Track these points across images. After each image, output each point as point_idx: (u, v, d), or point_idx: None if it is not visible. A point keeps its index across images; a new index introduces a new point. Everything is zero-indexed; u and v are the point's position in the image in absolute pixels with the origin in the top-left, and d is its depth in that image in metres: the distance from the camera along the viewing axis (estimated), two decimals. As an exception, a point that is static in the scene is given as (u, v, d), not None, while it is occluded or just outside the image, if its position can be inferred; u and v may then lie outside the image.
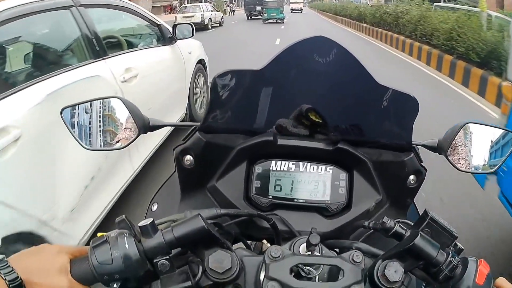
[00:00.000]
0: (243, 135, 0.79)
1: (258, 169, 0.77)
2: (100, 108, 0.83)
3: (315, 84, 0.78)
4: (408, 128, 0.77)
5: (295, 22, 28.58)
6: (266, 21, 27.55)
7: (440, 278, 0.59)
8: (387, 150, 0.80)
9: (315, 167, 0.77)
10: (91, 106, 0.83)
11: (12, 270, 0.49)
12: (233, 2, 60.23)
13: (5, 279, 0.48)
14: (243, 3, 51.12)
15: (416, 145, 0.84)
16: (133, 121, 0.80)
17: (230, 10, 43.09)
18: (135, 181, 2.80)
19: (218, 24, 24.44)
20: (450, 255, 0.59)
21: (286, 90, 0.80)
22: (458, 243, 0.63)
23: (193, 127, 0.80)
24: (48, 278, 0.52)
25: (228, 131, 0.80)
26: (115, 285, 0.54)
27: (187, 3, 39.25)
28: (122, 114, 0.82)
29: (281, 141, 0.77)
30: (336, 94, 0.79)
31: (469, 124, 0.86)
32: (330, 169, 0.78)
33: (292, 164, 0.77)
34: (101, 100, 0.82)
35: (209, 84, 4.25)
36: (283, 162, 0.77)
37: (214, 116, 0.78)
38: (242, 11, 40.72)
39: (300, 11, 52.79)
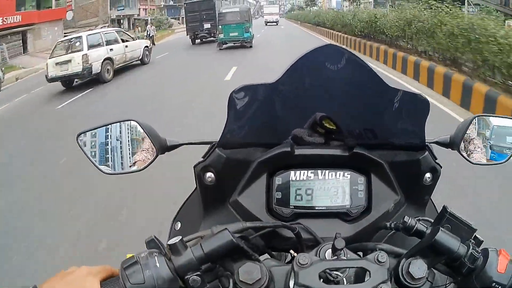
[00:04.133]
0: (261, 147, 0.81)
1: (278, 180, 0.78)
2: (116, 131, 0.84)
3: (328, 92, 0.80)
4: (421, 127, 0.79)
5: (269, 44, 19.18)
6: (223, 46, 17.57)
7: (463, 271, 0.61)
8: (401, 151, 0.82)
9: (333, 173, 0.79)
10: (107, 130, 0.84)
11: None
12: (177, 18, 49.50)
13: None
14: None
15: (429, 142, 0.85)
16: (151, 142, 0.82)
17: (148, 36, 22.69)
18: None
19: (139, 62, 13.86)
20: (471, 247, 0.61)
21: (300, 100, 0.81)
22: (478, 236, 0.64)
23: (212, 144, 0.81)
24: None
25: (246, 145, 0.81)
26: None
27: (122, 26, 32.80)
28: (139, 136, 0.83)
29: (298, 151, 0.78)
30: (349, 100, 0.81)
31: (479, 117, 0.88)
32: (348, 174, 0.79)
33: (311, 173, 0.78)
34: (117, 124, 0.84)
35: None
36: (302, 172, 0.78)
37: (232, 132, 0.79)
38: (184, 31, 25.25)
39: (275, 23, 48.33)
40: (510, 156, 0.89)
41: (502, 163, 0.91)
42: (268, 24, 48.16)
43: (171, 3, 52.27)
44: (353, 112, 0.81)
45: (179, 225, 0.88)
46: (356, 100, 0.80)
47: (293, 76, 0.75)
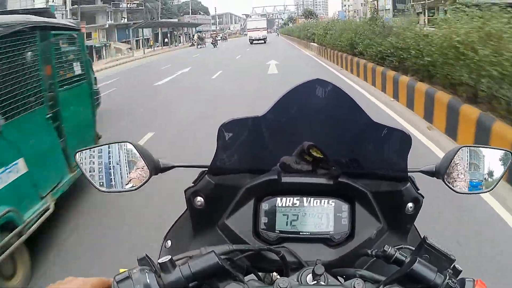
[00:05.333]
0: (249, 174, 0.84)
1: (265, 206, 0.82)
2: (112, 152, 0.87)
3: (316, 123, 0.84)
4: (403, 160, 0.82)
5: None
6: None
7: None
8: (385, 181, 0.85)
9: (318, 201, 0.82)
10: (103, 150, 0.87)
11: None
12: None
13: None
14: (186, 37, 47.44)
15: (414, 171, 0.88)
16: (144, 164, 0.85)
17: None
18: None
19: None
20: (448, 277, 0.63)
21: (288, 130, 0.85)
22: (456, 265, 0.66)
23: (202, 171, 0.85)
24: None
25: (235, 171, 0.85)
26: None
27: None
28: (133, 157, 0.86)
29: (285, 179, 0.82)
30: (335, 131, 0.85)
31: (464, 148, 0.90)
32: (332, 202, 0.82)
33: (297, 199, 0.82)
34: (113, 144, 0.87)
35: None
36: (288, 198, 0.82)
37: (222, 160, 0.83)
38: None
39: (263, 41, 39.29)
40: (494, 186, 0.91)
41: (486, 192, 0.93)
42: (254, 42, 39.25)
43: (124, 21, 39.83)
44: (340, 142, 0.85)
45: (169, 243, 0.91)
46: (342, 131, 0.84)
47: (280, 108, 0.79)
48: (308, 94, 0.80)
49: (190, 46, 41.61)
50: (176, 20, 56.44)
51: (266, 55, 21.35)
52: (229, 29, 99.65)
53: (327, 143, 0.83)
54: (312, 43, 22.78)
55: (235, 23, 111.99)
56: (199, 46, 38.77)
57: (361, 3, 47.84)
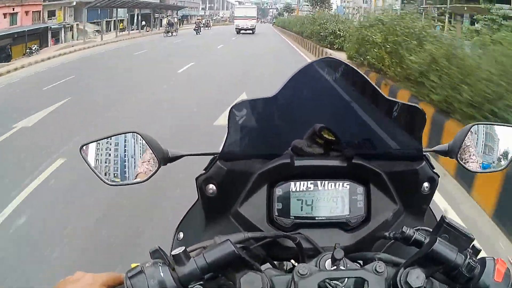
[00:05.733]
0: (261, 159, 0.82)
1: (278, 191, 0.80)
2: (118, 143, 0.85)
3: (327, 103, 0.82)
4: (418, 137, 0.80)
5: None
6: None
7: (460, 280, 0.62)
8: (399, 161, 0.83)
9: (333, 184, 0.80)
10: (109, 141, 0.85)
11: None
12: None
13: None
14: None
15: (427, 151, 0.87)
16: (153, 154, 0.83)
17: None
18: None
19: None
20: (468, 257, 0.62)
21: (299, 112, 0.83)
22: (475, 245, 0.65)
23: (213, 157, 0.83)
24: None
25: (247, 157, 0.83)
26: None
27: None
28: (141, 147, 0.84)
29: (298, 162, 0.80)
30: (347, 111, 0.82)
31: (477, 126, 0.89)
32: (347, 184, 0.80)
33: (311, 183, 0.80)
34: (119, 135, 0.85)
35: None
36: (302, 183, 0.80)
37: (232, 144, 0.81)
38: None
39: (251, 31, 35.72)
40: (509, 163, 0.90)
41: (500, 170, 0.92)
42: (241, 32, 35.56)
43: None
44: (352, 123, 0.83)
45: (181, 235, 0.89)
46: (354, 111, 0.81)
47: (291, 89, 0.77)
48: (318, 73, 0.78)
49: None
50: (157, 1, 47.27)
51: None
52: (219, 15, 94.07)
53: (339, 124, 0.81)
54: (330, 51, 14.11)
55: (226, 9, 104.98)
56: (168, 34, 32.17)
57: (363, 0, 43.71)
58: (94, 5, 26.35)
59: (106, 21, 34.53)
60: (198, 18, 49.00)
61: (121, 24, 36.76)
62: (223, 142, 0.80)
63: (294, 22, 28.75)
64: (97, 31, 31.47)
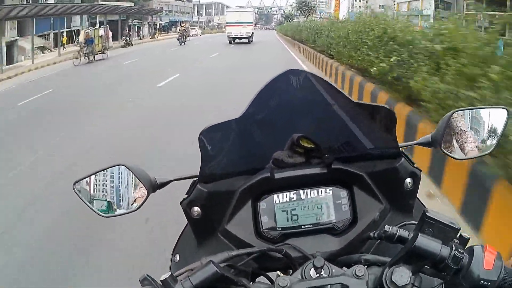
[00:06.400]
0: (243, 175, 0.84)
1: (262, 205, 0.82)
2: (108, 176, 0.88)
3: (301, 113, 0.84)
4: (392, 136, 0.82)
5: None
6: None
7: (449, 272, 0.62)
8: (379, 160, 0.84)
9: (315, 191, 0.81)
10: (99, 176, 0.88)
11: None
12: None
13: None
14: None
15: (410, 145, 0.88)
16: (141, 184, 0.86)
17: None
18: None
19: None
20: (454, 248, 0.62)
21: (275, 125, 0.85)
22: (463, 234, 0.65)
23: (193, 181, 0.85)
24: None
25: (227, 176, 0.85)
26: None
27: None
28: (130, 178, 0.87)
29: (278, 175, 0.82)
30: (321, 118, 0.84)
31: (457, 113, 0.89)
32: (329, 190, 0.82)
33: (293, 194, 0.81)
34: (108, 169, 0.87)
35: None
36: (284, 194, 0.81)
37: (210, 167, 0.83)
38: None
39: (247, 40, 29.20)
40: (494, 146, 0.90)
41: (486, 154, 0.92)
42: (235, 41, 29.06)
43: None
44: (328, 129, 0.85)
45: (178, 257, 0.91)
46: (328, 117, 0.83)
47: (260, 105, 0.79)
48: (285, 86, 0.80)
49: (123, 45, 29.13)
50: (131, 4, 37.70)
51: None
52: (214, 21, 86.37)
53: (316, 131, 0.83)
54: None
55: (222, 14, 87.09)
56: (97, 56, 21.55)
57: (379, 5, 37.66)
58: (26, 14, 19.74)
59: (60, 32, 26.76)
60: (182, 24, 41.86)
61: (64, 38, 28.12)
62: (200, 166, 0.82)
63: (297, 30, 23.32)
64: (40, 47, 24.42)
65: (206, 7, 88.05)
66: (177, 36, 31.18)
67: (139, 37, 41.78)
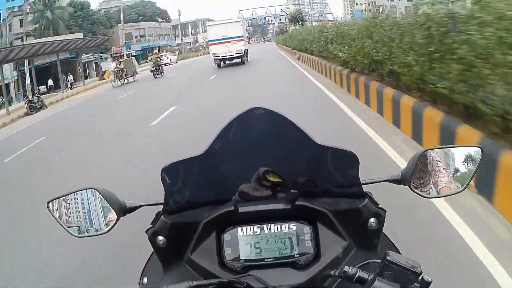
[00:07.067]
0: (209, 206, 0.85)
1: (226, 237, 0.83)
2: (81, 198, 0.89)
3: (267, 148, 0.86)
4: (355, 178, 0.83)
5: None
6: None
7: None
8: (343, 198, 0.86)
9: (279, 226, 0.82)
10: (71, 198, 0.90)
11: None
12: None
13: None
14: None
15: (379, 181, 0.89)
16: (111, 208, 0.87)
17: None
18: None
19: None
20: None
21: (240, 159, 0.87)
22: (425, 277, 0.65)
23: (157, 211, 0.86)
24: None
25: (191, 207, 0.87)
26: None
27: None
28: (101, 201, 0.88)
29: (242, 209, 0.83)
30: (286, 153, 0.86)
31: (428, 151, 0.89)
32: (293, 225, 0.82)
33: (257, 227, 0.82)
34: (80, 192, 0.89)
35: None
36: (248, 227, 0.82)
37: (174, 200, 0.85)
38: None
39: (240, 60, 21.92)
40: (467, 185, 0.90)
41: (458, 192, 0.90)
42: (226, 62, 22.27)
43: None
44: (293, 164, 0.86)
45: (145, 280, 0.92)
46: (293, 153, 0.86)
47: (224, 141, 0.82)
48: (249, 123, 0.83)
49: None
50: (78, 35, 31.46)
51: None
52: (197, 41, 67.52)
53: (282, 166, 0.84)
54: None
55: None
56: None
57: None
58: None
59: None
60: (155, 51, 32.39)
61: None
62: (163, 199, 0.84)
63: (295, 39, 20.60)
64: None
65: (191, 26, 72.32)
66: (150, 67, 24.41)
67: (72, 83, 29.38)
